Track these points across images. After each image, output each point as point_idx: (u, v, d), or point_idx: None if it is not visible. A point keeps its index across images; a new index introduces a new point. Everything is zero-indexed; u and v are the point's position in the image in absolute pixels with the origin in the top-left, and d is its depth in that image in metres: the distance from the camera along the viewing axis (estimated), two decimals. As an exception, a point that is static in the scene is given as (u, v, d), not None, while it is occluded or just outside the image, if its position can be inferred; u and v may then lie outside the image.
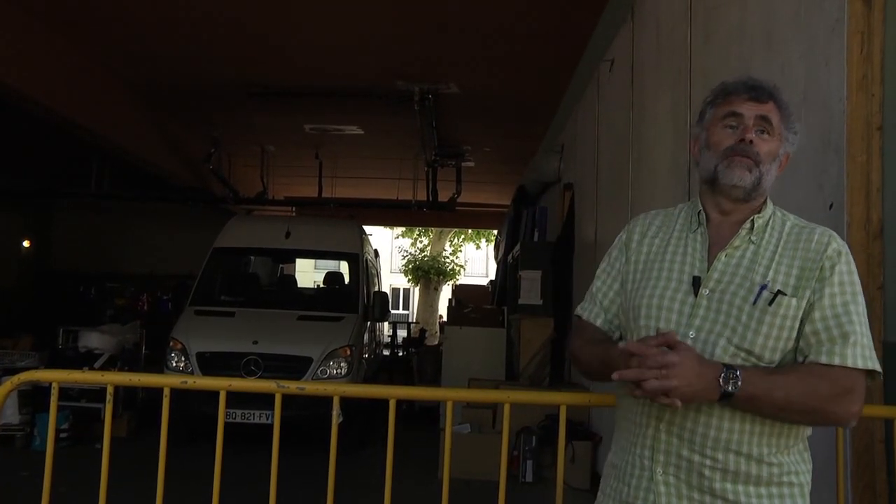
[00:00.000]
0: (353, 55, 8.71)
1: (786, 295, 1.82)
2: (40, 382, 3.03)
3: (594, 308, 2.12)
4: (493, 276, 17.97)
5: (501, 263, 14.22)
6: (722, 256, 1.91)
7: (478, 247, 33.92)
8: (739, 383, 1.73)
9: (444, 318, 16.28)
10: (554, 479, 2.79)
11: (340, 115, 11.29)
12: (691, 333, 1.86)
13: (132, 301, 16.79)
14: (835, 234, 1.91)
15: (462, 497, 5.61)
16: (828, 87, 2.89)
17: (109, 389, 2.74)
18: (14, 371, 7.48)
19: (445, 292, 29.23)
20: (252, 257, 12.07)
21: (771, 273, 1.85)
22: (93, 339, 9.30)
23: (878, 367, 1.79)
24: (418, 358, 12.79)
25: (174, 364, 8.25)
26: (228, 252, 10.31)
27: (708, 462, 1.82)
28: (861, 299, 1.85)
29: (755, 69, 3.64)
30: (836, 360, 1.77)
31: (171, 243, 17.11)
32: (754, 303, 1.82)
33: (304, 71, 9.39)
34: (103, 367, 8.87)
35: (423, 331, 18.08)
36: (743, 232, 1.92)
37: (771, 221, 1.95)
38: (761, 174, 1.91)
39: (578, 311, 2.18)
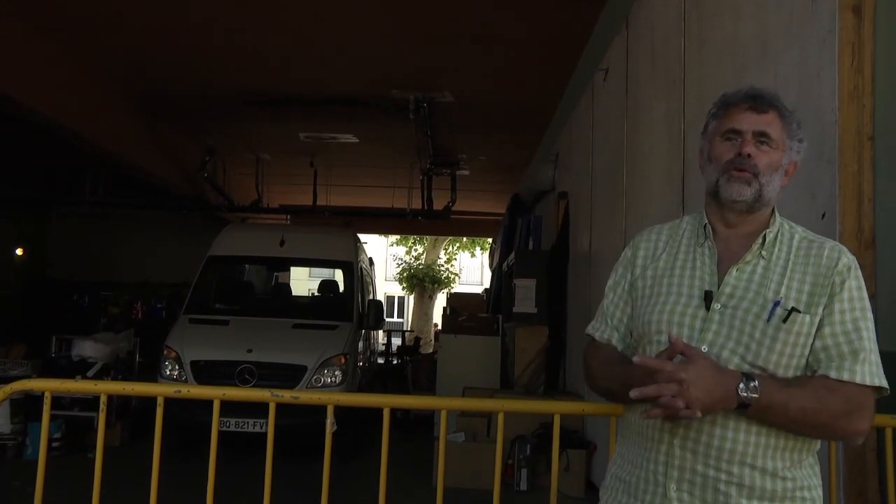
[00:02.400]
0: (349, 64, 8.73)
1: (800, 312, 1.81)
2: (33, 391, 3.03)
3: (606, 328, 2.10)
4: (487, 285, 17.97)
5: (496, 272, 14.23)
6: (733, 271, 1.90)
7: (472, 255, 33.92)
8: (758, 394, 1.73)
9: (439, 327, 16.28)
10: (548, 487, 2.79)
11: (335, 124, 11.31)
12: (704, 348, 1.84)
13: (126, 309, 16.75)
14: (845, 248, 1.90)
15: (456, 506, 5.60)
16: (820, 97, 2.91)
17: (103, 399, 2.74)
18: (6, 380, 7.45)
19: (440, 300, 29.20)
20: (246, 265, 12.05)
21: (783, 289, 1.85)
22: (86, 348, 9.27)
23: (885, 384, 1.80)
24: (413, 366, 12.78)
25: (168, 372, 8.23)
26: (223, 260, 10.29)
27: (723, 476, 1.80)
28: (870, 314, 1.85)
29: (748, 79, 3.66)
30: (846, 376, 1.78)
31: (165, 251, 17.08)
32: (768, 320, 1.81)
33: (300, 79, 9.41)
34: (97, 376, 8.83)
35: (417, 339, 18.05)
36: (755, 247, 1.91)
37: (779, 235, 1.94)
38: (761, 186, 1.90)
39: (590, 330, 2.15)
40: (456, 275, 32.43)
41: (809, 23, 3.04)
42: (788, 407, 1.75)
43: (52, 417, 2.74)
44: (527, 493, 6.94)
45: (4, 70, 7.62)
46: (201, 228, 14.59)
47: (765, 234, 1.92)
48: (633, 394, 1.74)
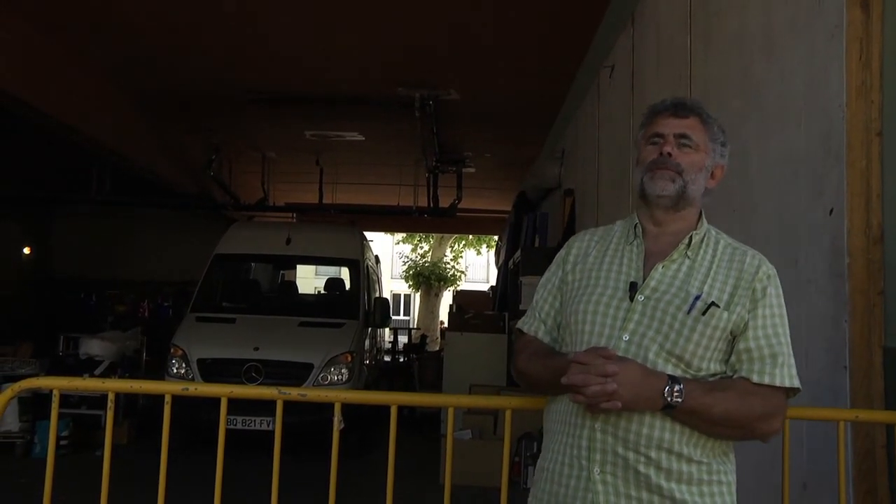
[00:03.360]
0: (354, 62, 8.72)
1: (718, 307, 1.93)
2: (41, 389, 3.03)
3: (534, 321, 2.20)
4: (493, 282, 17.95)
5: (502, 269, 14.22)
6: (659, 267, 2.02)
7: (478, 252, 33.88)
8: (682, 397, 1.84)
9: (445, 324, 16.28)
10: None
11: (341, 122, 11.30)
12: (625, 336, 1.94)
13: (133, 308, 16.77)
14: (765, 258, 2.05)
15: (463, 503, 5.61)
16: (827, 93, 2.90)
17: (111, 396, 2.74)
18: (14, 378, 7.50)
19: (446, 298, 29.19)
20: (253, 264, 12.07)
21: (706, 287, 1.97)
22: (93, 346, 9.30)
23: (798, 385, 1.96)
24: (419, 364, 12.78)
25: (175, 371, 8.25)
26: (229, 258, 10.32)
27: (642, 459, 1.89)
28: (786, 321, 2.00)
29: (754, 75, 3.65)
30: (766, 380, 1.92)
31: (171, 250, 17.11)
32: (688, 312, 1.93)
33: (305, 77, 9.40)
34: (104, 374, 8.86)
35: (424, 337, 18.06)
36: (681, 247, 2.03)
37: (705, 239, 2.07)
38: (685, 183, 2.03)
39: (519, 324, 2.24)
40: (462, 272, 32.39)
41: (816, 18, 3.02)
42: (712, 411, 1.87)
43: (60, 416, 2.74)
44: (533, 490, 6.93)
45: (9, 69, 7.63)
46: (207, 227, 14.61)
47: (691, 236, 2.04)
48: (563, 380, 1.84)
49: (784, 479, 2.46)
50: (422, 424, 9.75)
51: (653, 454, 1.88)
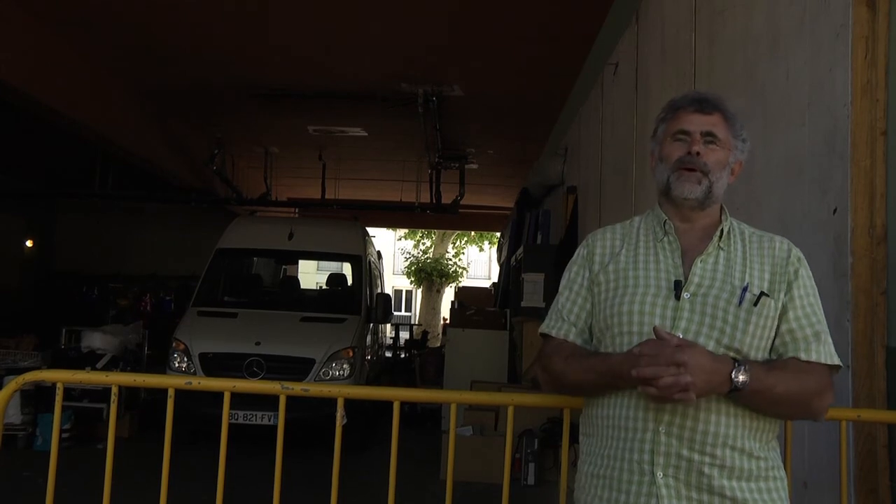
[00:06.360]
0: (358, 57, 8.72)
1: (769, 296, 1.95)
2: (44, 382, 3.03)
3: (563, 324, 2.13)
4: (495, 279, 17.96)
5: (504, 266, 14.22)
6: (698, 262, 2.01)
7: (480, 249, 33.89)
8: (749, 378, 1.82)
9: (447, 320, 16.29)
10: (555, 481, 2.79)
11: (344, 117, 11.30)
12: (678, 335, 1.90)
13: (135, 301, 16.82)
14: (790, 242, 2.09)
15: (464, 499, 5.62)
16: (832, 92, 2.89)
17: (114, 390, 2.74)
18: (17, 371, 7.52)
19: (448, 294, 29.21)
20: (255, 258, 12.07)
21: (747, 276, 1.98)
22: (95, 340, 9.31)
23: (840, 363, 1.98)
24: (420, 360, 12.78)
25: (177, 365, 8.25)
26: (231, 253, 10.31)
27: (707, 459, 1.88)
28: (820, 302, 2.03)
29: (759, 74, 3.64)
30: (814, 357, 1.94)
31: (174, 244, 17.14)
32: (739, 304, 1.93)
33: (308, 72, 9.40)
34: (106, 368, 8.87)
35: (425, 333, 18.06)
36: (715, 240, 2.04)
37: (731, 230, 2.08)
38: (711, 183, 2.03)
39: (545, 329, 2.17)
40: (464, 269, 32.40)
41: (822, 17, 3.02)
42: (775, 390, 1.87)
43: (63, 409, 2.74)
44: (534, 487, 6.95)
45: (14, 63, 7.64)
46: (209, 221, 14.62)
47: (722, 229, 2.05)
48: (634, 372, 1.80)
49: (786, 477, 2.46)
50: (423, 420, 9.76)
51: (718, 451, 1.88)
